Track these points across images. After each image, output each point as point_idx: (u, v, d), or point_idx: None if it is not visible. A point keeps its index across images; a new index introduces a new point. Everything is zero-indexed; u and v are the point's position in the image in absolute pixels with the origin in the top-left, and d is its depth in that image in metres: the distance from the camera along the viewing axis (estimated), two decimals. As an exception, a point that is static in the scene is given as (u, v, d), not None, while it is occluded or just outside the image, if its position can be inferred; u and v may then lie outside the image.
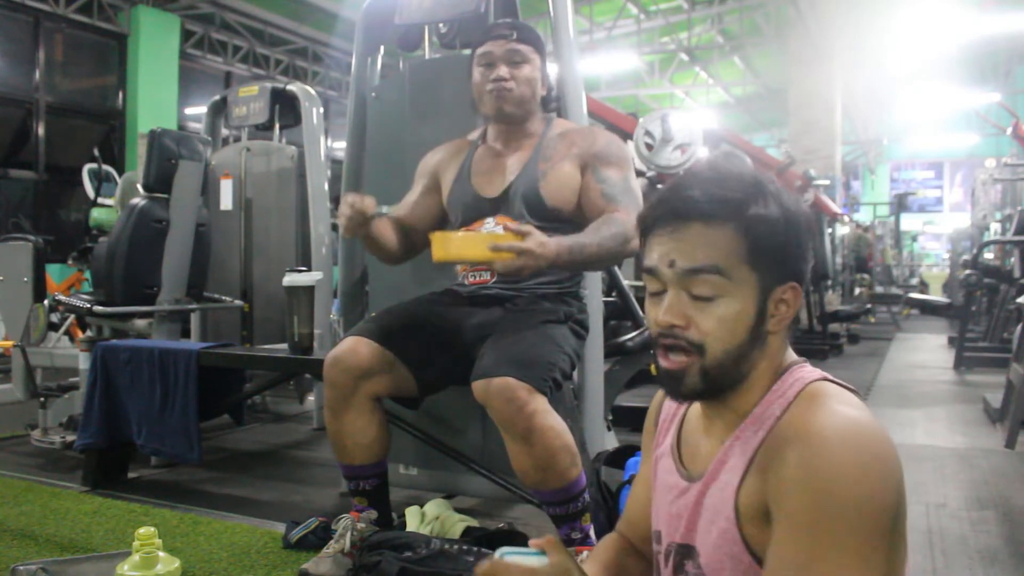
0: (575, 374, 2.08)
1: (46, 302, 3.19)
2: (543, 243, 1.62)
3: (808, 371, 0.91)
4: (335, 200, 3.03)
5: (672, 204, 0.90)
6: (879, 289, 10.88)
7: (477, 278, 1.94)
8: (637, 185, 1.94)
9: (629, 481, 1.95)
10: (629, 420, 3.19)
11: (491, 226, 1.94)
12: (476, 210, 1.97)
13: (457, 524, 1.99)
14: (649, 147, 3.91)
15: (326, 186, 3.52)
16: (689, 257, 0.88)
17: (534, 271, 1.65)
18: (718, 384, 0.90)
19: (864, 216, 15.85)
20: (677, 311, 0.88)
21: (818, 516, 0.77)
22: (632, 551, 1.12)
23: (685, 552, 0.93)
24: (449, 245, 1.67)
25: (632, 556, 1.11)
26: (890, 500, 0.78)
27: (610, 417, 2.39)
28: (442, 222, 2.06)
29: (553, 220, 1.92)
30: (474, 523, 2.02)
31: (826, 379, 0.89)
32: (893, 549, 0.80)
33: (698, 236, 0.88)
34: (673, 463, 0.99)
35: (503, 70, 1.93)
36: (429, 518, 2.03)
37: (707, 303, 0.87)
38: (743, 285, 0.87)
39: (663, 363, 0.91)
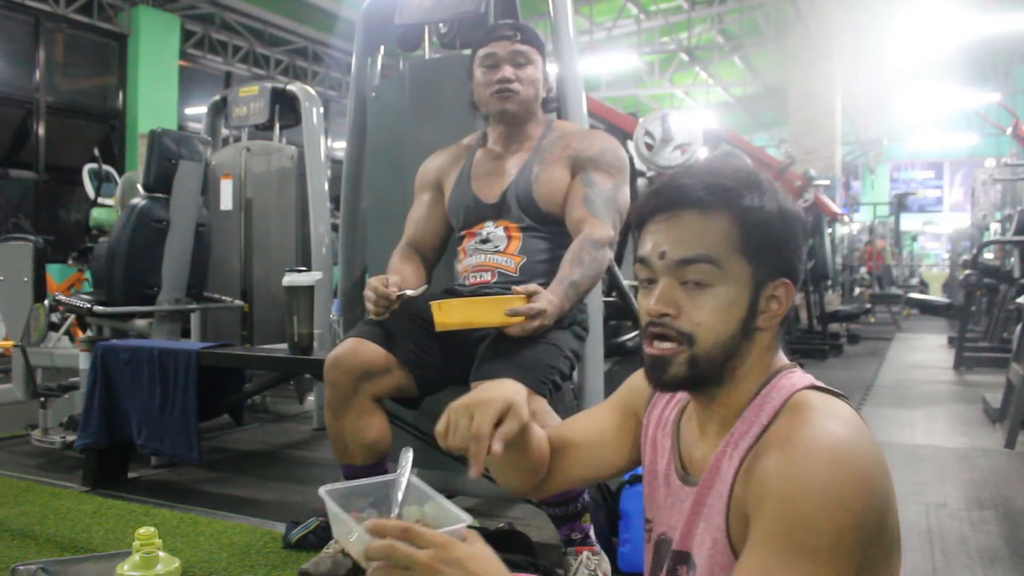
0: (575, 374, 2.08)
1: (46, 302, 3.19)
2: (551, 300, 1.68)
3: (797, 377, 0.88)
4: (335, 200, 3.03)
5: (667, 193, 0.89)
6: (878, 289, 10.89)
7: (478, 279, 1.94)
8: (626, 196, 1.93)
9: (629, 481, 1.95)
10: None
11: (491, 229, 1.94)
12: (477, 214, 1.97)
13: (457, 524, 1.98)
14: (649, 147, 3.91)
15: (326, 186, 3.52)
16: (682, 247, 0.86)
17: (546, 329, 1.70)
18: (704, 375, 0.88)
19: (864, 216, 15.86)
20: (668, 300, 0.87)
21: (786, 527, 0.75)
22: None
23: (680, 559, 0.91)
24: (454, 312, 1.71)
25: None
26: (864, 519, 0.76)
27: (610, 417, 2.39)
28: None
29: (549, 223, 1.91)
30: (474, 523, 2.01)
31: (815, 386, 0.86)
32: (869, 567, 0.78)
33: (691, 225, 0.86)
34: (673, 459, 0.97)
35: (508, 71, 1.92)
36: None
37: (699, 293, 0.86)
38: (736, 275, 0.86)
39: (648, 350, 0.90)
